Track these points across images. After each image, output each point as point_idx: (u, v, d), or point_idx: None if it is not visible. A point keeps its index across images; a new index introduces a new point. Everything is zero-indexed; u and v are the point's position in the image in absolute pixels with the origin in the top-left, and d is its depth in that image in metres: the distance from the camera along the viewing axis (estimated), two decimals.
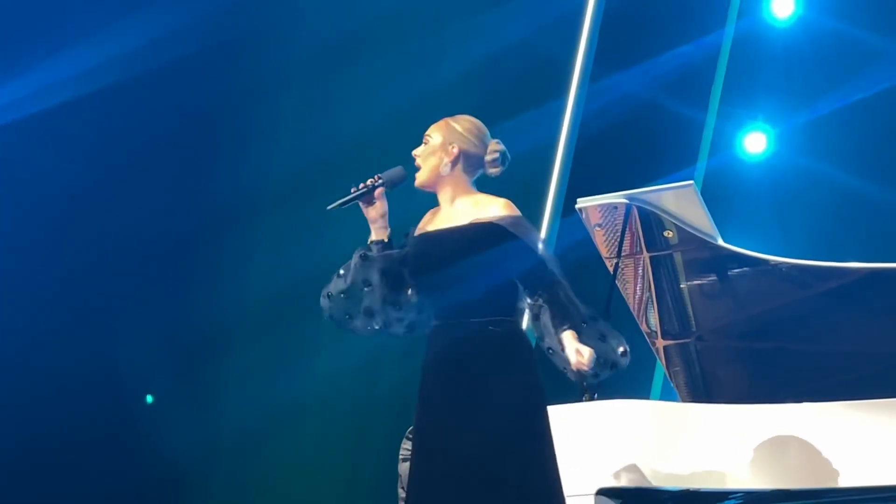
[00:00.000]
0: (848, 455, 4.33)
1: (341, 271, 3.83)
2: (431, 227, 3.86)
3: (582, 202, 4.87)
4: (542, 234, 7.23)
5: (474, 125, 3.90)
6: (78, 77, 7.13)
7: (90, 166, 7.26)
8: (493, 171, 3.88)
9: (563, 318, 3.67)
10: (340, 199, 3.78)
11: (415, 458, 3.72)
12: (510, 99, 7.30)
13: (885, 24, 7.06)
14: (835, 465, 4.33)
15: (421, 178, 3.85)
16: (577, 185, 7.09)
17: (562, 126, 7.34)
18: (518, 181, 7.17)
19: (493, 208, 3.77)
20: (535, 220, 7.26)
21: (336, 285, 3.81)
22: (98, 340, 7.29)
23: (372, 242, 3.84)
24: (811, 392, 4.56)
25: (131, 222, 7.29)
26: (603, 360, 3.72)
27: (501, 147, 3.90)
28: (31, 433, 7.01)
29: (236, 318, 7.40)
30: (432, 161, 3.83)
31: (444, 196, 3.85)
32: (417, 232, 3.89)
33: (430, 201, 3.97)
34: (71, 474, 7.06)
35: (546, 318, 3.70)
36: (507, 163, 3.90)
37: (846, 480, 4.32)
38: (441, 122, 3.89)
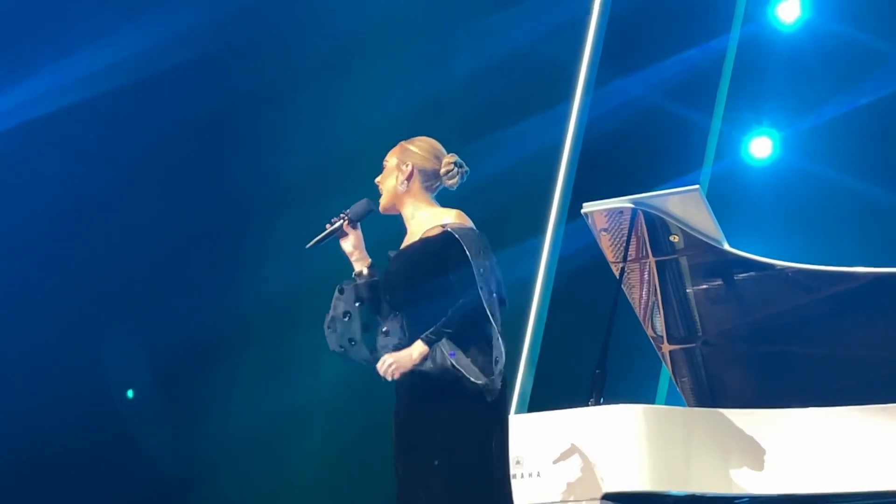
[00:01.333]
0: (854, 460, 4.33)
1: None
2: (401, 247, 3.99)
3: (587, 207, 4.86)
4: (548, 238, 7.22)
5: (427, 143, 4.03)
6: (85, 80, 7.14)
7: (96, 170, 7.27)
8: (451, 182, 4.00)
9: (436, 327, 3.74)
10: (315, 238, 3.99)
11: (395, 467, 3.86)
12: (516, 103, 7.31)
13: (892, 29, 7.05)
14: (841, 470, 4.33)
15: (382, 202, 4.01)
16: (582, 189, 7.08)
17: (567, 130, 7.34)
18: (523, 185, 7.23)
19: (445, 219, 3.88)
20: (541, 225, 7.25)
21: (325, 321, 3.98)
22: (105, 344, 7.31)
23: (354, 274, 4.00)
24: (817, 397, 4.55)
25: (138, 227, 7.31)
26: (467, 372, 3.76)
27: (455, 159, 4.01)
28: (35, 437, 7.02)
29: (241, 323, 7.41)
30: (390, 183, 3.99)
31: (406, 214, 4.00)
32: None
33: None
34: (76, 479, 7.07)
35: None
36: (464, 175, 4.02)
37: (853, 485, 4.32)
38: (396, 147, 4.04)
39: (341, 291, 3.95)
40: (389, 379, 3.77)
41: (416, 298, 3.83)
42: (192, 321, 7.32)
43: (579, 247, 6.51)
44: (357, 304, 3.93)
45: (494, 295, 3.76)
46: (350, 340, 3.92)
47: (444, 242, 3.82)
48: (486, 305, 3.72)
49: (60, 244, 7.25)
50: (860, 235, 6.88)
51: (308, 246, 3.99)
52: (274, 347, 7.39)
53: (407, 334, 3.87)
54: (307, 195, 7.21)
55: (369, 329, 3.94)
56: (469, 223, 3.89)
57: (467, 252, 3.76)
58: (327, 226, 3.99)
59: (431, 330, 3.73)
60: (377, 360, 3.87)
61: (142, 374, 7.49)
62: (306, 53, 7.49)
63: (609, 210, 4.81)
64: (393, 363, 3.74)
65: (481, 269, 3.76)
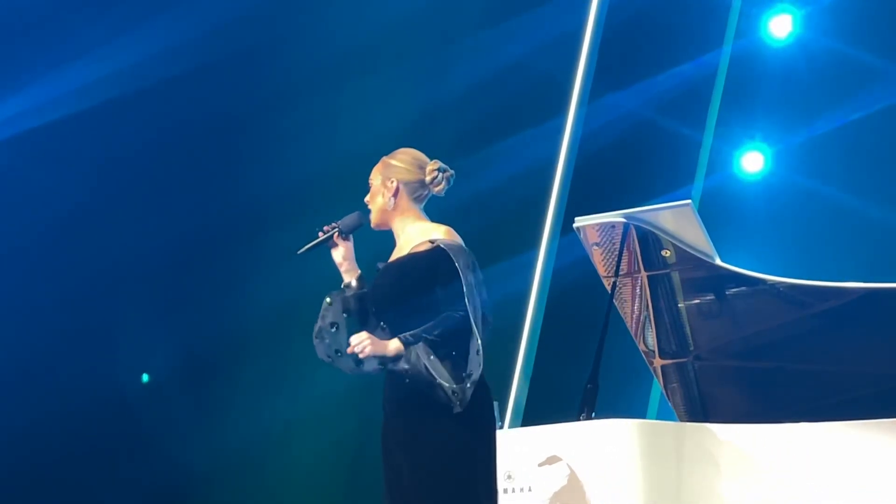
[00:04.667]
0: (846, 475, 4.32)
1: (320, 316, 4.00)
2: (389, 261, 3.99)
3: (579, 221, 4.86)
4: (542, 252, 7.24)
5: (409, 154, 4.01)
6: (82, 90, 7.15)
7: (92, 181, 7.27)
8: (437, 189, 3.99)
9: (416, 331, 3.76)
10: (306, 245, 3.98)
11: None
12: (510, 117, 7.33)
13: (882, 44, 7.08)
14: (833, 486, 4.32)
15: (373, 220, 4.01)
16: (576, 203, 7.10)
17: (561, 145, 7.37)
18: (517, 200, 7.25)
19: (434, 234, 3.88)
20: (535, 238, 7.27)
21: (314, 331, 3.97)
22: (106, 355, 7.31)
23: (343, 286, 3.99)
24: (809, 412, 4.55)
25: (134, 239, 7.31)
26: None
27: (438, 165, 4.00)
28: (38, 445, 7.03)
29: (238, 336, 7.41)
30: (379, 201, 3.99)
31: (395, 229, 3.99)
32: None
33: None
34: (77, 486, 7.08)
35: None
36: (451, 180, 4.01)
37: (844, 501, 4.31)
38: (378, 163, 4.03)
39: (330, 302, 3.95)
40: (360, 356, 3.76)
41: (402, 312, 3.82)
42: (188, 333, 7.33)
43: (574, 260, 6.53)
44: (345, 316, 3.92)
45: (480, 311, 3.77)
46: (337, 351, 3.90)
47: (433, 257, 3.82)
48: (471, 318, 3.73)
49: (56, 256, 7.25)
50: (852, 250, 6.89)
51: (299, 252, 3.98)
52: (270, 360, 7.39)
53: None
54: (303, 207, 7.22)
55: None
56: (458, 239, 3.89)
57: (456, 265, 3.76)
58: (319, 234, 3.99)
59: (412, 332, 3.75)
60: (364, 371, 3.87)
61: (139, 387, 7.49)
62: (301, 67, 7.50)
63: (601, 224, 4.81)
64: (367, 341, 3.75)
65: (470, 282, 3.77)
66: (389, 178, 3.97)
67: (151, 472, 7.24)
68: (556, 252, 7.24)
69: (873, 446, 4.33)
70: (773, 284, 4.76)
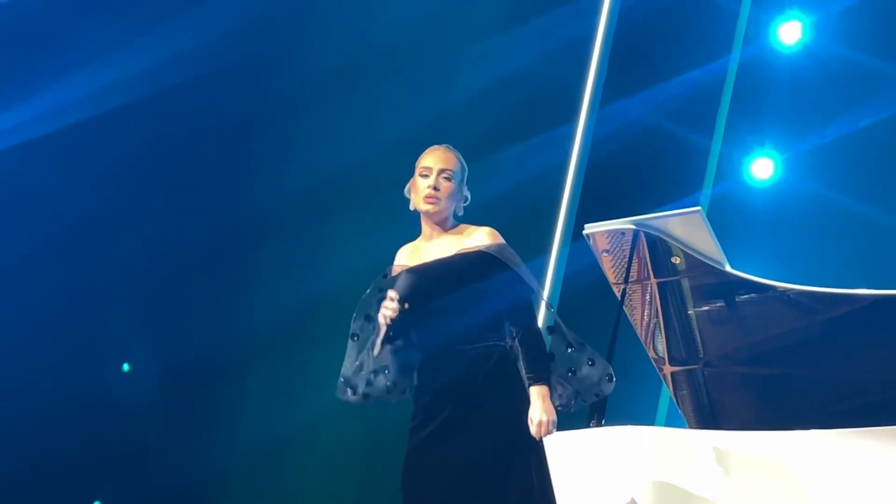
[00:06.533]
0: (856, 483, 4.31)
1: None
2: (418, 261, 3.93)
3: (589, 228, 4.87)
4: (552, 259, 7.25)
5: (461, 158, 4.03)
6: (89, 98, 7.17)
7: (100, 188, 7.30)
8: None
9: (529, 366, 3.77)
10: (379, 339, 3.84)
11: (404, 487, 3.79)
12: (520, 124, 7.35)
13: (892, 51, 7.07)
14: (843, 494, 4.31)
15: (438, 210, 3.92)
16: (585, 210, 7.11)
17: (571, 151, 7.38)
18: (527, 206, 7.26)
19: (478, 236, 3.87)
20: (545, 246, 7.28)
21: (374, 346, 3.90)
22: (112, 359, 7.33)
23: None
24: (819, 419, 4.55)
25: (144, 244, 7.34)
26: (588, 386, 3.87)
27: None
28: (42, 452, 7.05)
29: (249, 339, 7.43)
30: (449, 201, 3.93)
31: (435, 229, 3.94)
32: (399, 269, 3.95)
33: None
34: (84, 494, 7.09)
35: (519, 361, 3.80)
36: None
37: None
38: (456, 160, 3.97)
39: (390, 339, 3.86)
40: (552, 429, 3.73)
41: (443, 311, 3.79)
42: (199, 337, 7.35)
43: (583, 267, 6.53)
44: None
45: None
46: (385, 368, 3.88)
47: (485, 261, 3.80)
48: (537, 302, 3.82)
49: (66, 262, 7.28)
50: (862, 257, 6.88)
51: (376, 355, 3.84)
52: (281, 364, 7.41)
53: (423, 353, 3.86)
54: (314, 212, 7.25)
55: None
56: (501, 240, 3.90)
57: (512, 267, 3.78)
58: (382, 321, 3.82)
59: (529, 370, 3.74)
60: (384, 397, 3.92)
61: (150, 390, 7.52)
62: (311, 73, 7.53)
63: (610, 231, 4.81)
64: (546, 420, 3.72)
65: (526, 273, 3.83)
66: (465, 186, 3.97)
67: (162, 477, 7.25)
68: (566, 259, 7.24)
69: (884, 454, 4.31)
70: (783, 291, 4.75)
